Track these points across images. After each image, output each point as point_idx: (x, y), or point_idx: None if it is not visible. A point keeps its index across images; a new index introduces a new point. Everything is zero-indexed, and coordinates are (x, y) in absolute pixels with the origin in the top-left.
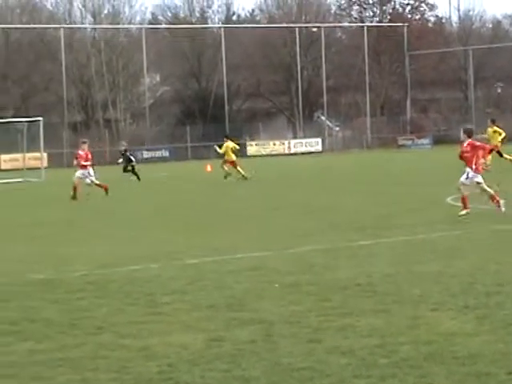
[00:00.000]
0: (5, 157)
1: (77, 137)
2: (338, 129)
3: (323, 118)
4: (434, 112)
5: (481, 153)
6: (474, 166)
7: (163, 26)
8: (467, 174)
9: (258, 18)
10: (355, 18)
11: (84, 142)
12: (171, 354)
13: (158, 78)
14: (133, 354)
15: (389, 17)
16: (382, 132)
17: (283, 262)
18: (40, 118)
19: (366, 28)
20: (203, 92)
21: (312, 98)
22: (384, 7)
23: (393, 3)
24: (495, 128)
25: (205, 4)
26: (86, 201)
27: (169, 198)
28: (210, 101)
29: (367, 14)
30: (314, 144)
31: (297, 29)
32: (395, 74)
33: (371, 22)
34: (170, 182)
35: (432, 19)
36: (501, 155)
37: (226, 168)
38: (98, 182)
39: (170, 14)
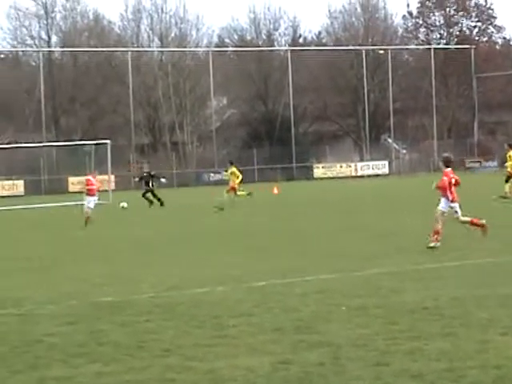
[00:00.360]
0: (73, 179)
1: (144, 159)
2: (404, 151)
3: (390, 140)
4: (501, 134)
5: (455, 183)
6: (449, 196)
7: (230, 48)
8: (444, 203)
9: (324, 41)
10: (422, 41)
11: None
12: (238, 377)
13: (224, 101)
14: (199, 377)
15: (456, 39)
16: None
17: (350, 285)
18: (107, 141)
19: (432, 50)
20: (270, 114)
21: (379, 120)
22: (451, 29)
23: (460, 25)
24: (511, 153)
25: (271, 26)
26: (153, 223)
27: (235, 221)
28: (277, 123)
29: (434, 37)
30: (381, 167)
31: (363, 51)
32: (462, 97)
33: (438, 44)
34: (235, 204)
35: (499, 41)
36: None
37: (226, 195)
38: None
39: (236, 37)
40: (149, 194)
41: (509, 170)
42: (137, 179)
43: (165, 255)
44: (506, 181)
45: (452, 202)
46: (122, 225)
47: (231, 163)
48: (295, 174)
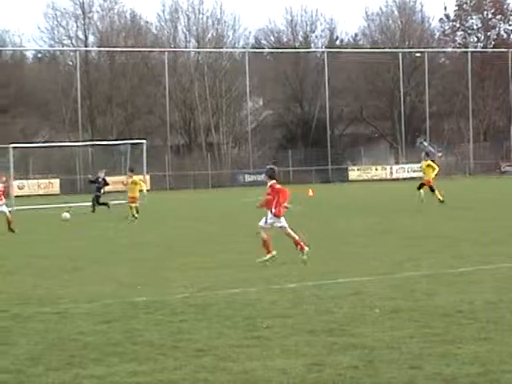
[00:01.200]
0: (108, 179)
1: (179, 160)
2: (440, 154)
3: (426, 143)
4: None
5: (281, 197)
6: (274, 210)
7: (266, 49)
8: (266, 218)
9: (361, 43)
10: (459, 44)
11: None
12: (271, 378)
13: (260, 102)
14: (233, 378)
15: (493, 43)
16: (484, 158)
17: (384, 288)
18: (143, 141)
19: (469, 54)
20: (305, 116)
21: (415, 123)
22: (488, 33)
23: (497, 29)
24: (429, 162)
25: (308, 28)
26: (187, 224)
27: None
28: (312, 125)
29: (471, 40)
30: (416, 169)
31: (400, 54)
32: (499, 100)
33: (475, 47)
34: None
35: None
36: (432, 190)
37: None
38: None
39: (273, 38)
40: (98, 200)
41: (427, 178)
42: (88, 180)
43: (199, 256)
44: (432, 190)
45: (276, 216)
46: (156, 226)
47: (131, 171)
48: (330, 176)
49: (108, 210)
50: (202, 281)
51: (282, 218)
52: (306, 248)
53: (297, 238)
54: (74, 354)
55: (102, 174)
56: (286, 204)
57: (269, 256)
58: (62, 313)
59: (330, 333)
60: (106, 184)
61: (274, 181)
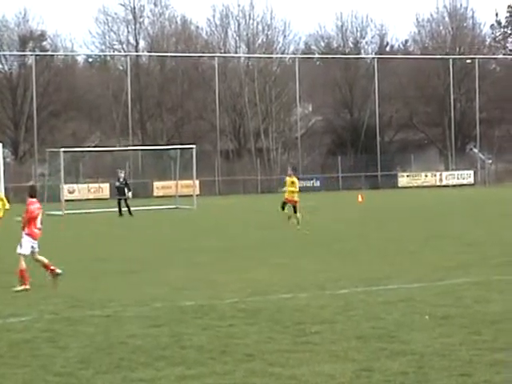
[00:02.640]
0: (158, 184)
1: (229, 165)
2: (490, 161)
3: (476, 150)
4: None
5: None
6: (26, 231)
7: (316, 55)
8: (26, 242)
9: (411, 49)
10: (510, 50)
11: None
12: (320, 383)
13: (310, 108)
14: (282, 383)
15: None
16: None
17: (434, 294)
18: (193, 146)
19: None
20: (355, 122)
21: (465, 129)
22: None
23: None
24: (294, 179)
25: (358, 34)
26: (236, 229)
27: (318, 227)
28: (362, 131)
29: None
30: (466, 176)
31: (450, 60)
32: None
33: None
34: (319, 211)
35: None
36: (295, 211)
37: None
38: None
39: (323, 44)
40: (122, 204)
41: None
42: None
43: (248, 261)
44: (295, 211)
45: (32, 237)
46: (206, 231)
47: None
48: (380, 182)
49: (119, 216)
50: (253, 285)
51: (35, 241)
52: (59, 270)
53: (46, 262)
54: (123, 357)
55: (121, 175)
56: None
57: (23, 287)
58: (112, 316)
59: (379, 339)
60: (128, 186)
61: (35, 199)
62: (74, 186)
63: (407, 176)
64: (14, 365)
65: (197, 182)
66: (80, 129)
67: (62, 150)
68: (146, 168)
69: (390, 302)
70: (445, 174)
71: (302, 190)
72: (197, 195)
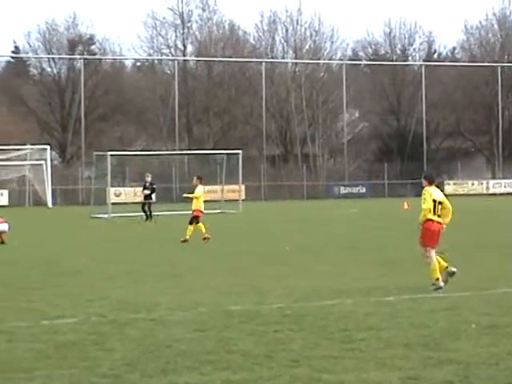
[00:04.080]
0: (205, 188)
1: (275, 170)
2: None
3: None
4: None
5: None
6: None
7: (364, 62)
8: None
9: (459, 56)
10: None
11: None
12: None
13: (356, 114)
14: None
15: None
16: None
17: (480, 303)
18: (239, 151)
19: None
20: (402, 129)
21: None
22: None
23: None
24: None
25: (406, 41)
26: (284, 234)
27: (364, 234)
28: (409, 138)
29: None
30: None
31: (499, 68)
32: None
33: None
34: (363, 218)
35: None
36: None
37: None
38: None
39: (370, 51)
40: (146, 208)
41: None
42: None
43: (294, 267)
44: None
45: None
46: (251, 235)
47: None
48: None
49: (147, 221)
50: (298, 291)
51: None
52: None
53: None
54: (169, 361)
55: (148, 179)
56: None
57: None
58: (158, 320)
59: (425, 347)
60: (154, 191)
61: None
62: (121, 189)
63: (454, 184)
64: (61, 366)
65: (242, 187)
66: (127, 132)
67: (109, 153)
68: (192, 172)
69: (437, 310)
70: (492, 182)
71: (348, 196)
72: (242, 200)
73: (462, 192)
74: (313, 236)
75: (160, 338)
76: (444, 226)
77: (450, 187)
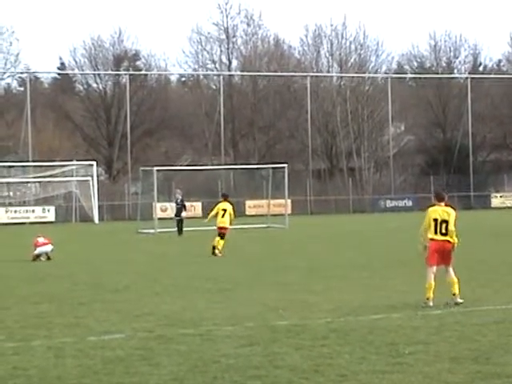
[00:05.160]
0: (250, 203)
1: (321, 184)
2: None
3: None
4: None
5: None
6: None
7: (409, 75)
8: None
9: (504, 69)
10: None
11: None
12: None
13: (402, 127)
14: None
15: None
16: None
17: None
18: (285, 165)
19: None
20: (448, 142)
21: None
22: None
23: None
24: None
25: (452, 54)
26: (330, 248)
27: (410, 248)
28: (455, 151)
29: None
30: None
31: None
32: None
33: None
34: (408, 231)
35: None
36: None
37: None
38: None
39: (415, 64)
40: (180, 224)
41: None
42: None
43: (339, 280)
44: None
45: None
46: (298, 249)
47: None
48: (472, 202)
49: (178, 236)
50: (345, 306)
51: None
52: None
53: None
54: (216, 376)
55: (178, 196)
56: None
57: None
58: (205, 335)
59: (473, 361)
60: (184, 206)
61: None
62: (167, 204)
63: (500, 197)
64: (109, 382)
65: (289, 202)
66: (172, 147)
67: (155, 168)
68: (238, 187)
69: (485, 324)
70: None
71: (394, 209)
72: (288, 214)
73: (508, 204)
74: (359, 250)
75: (207, 353)
76: (451, 244)
77: (496, 200)
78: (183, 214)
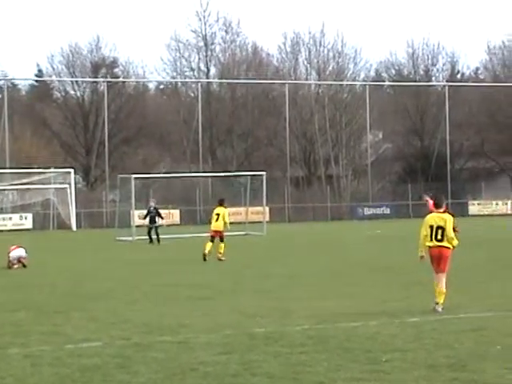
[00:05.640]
0: (228, 210)
1: (299, 192)
2: None
3: None
4: None
5: None
6: None
7: (387, 83)
8: None
9: (482, 77)
10: None
11: None
12: None
13: (380, 135)
14: None
15: None
16: None
17: (506, 324)
18: (263, 173)
19: None
20: (425, 150)
21: None
22: None
23: None
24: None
25: (429, 62)
26: (308, 256)
27: (386, 256)
28: (433, 159)
29: None
30: None
31: None
32: None
33: None
34: (387, 239)
35: None
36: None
37: None
38: None
39: (393, 71)
40: (153, 232)
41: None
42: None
43: (317, 288)
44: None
45: None
46: (277, 257)
47: None
48: (450, 210)
49: (154, 244)
50: (323, 313)
51: None
52: None
53: None
54: (194, 383)
55: (152, 204)
56: None
57: None
58: (183, 342)
59: (450, 368)
60: (159, 215)
61: None
62: (145, 212)
63: (478, 204)
64: None
65: (267, 209)
66: (150, 155)
67: (133, 176)
68: (216, 194)
69: (462, 331)
70: None
71: (372, 217)
72: (266, 222)
73: (486, 212)
74: (337, 258)
75: (185, 360)
76: (449, 249)
77: (474, 207)
78: (163, 221)
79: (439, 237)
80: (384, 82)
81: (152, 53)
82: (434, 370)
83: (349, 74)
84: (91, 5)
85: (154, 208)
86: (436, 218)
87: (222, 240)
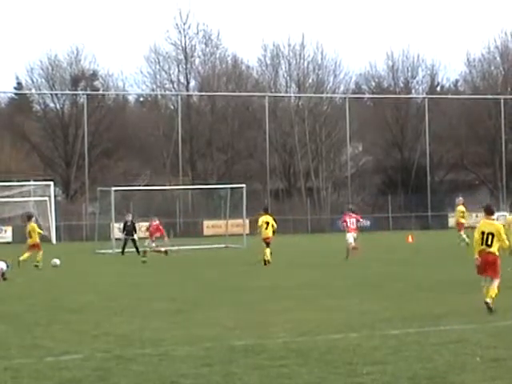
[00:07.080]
0: (207, 223)
1: (279, 204)
2: None
3: None
4: None
5: None
6: None
7: (367, 95)
8: None
9: (462, 89)
10: None
11: None
12: None
13: (360, 148)
14: None
15: None
16: None
17: (486, 336)
18: (243, 185)
19: None
20: (405, 162)
21: None
22: None
23: None
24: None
25: (409, 74)
26: (289, 268)
27: (367, 268)
28: (412, 171)
29: None
30: None
31: (502, 100)
32: None
33: None
34: (367, 251)
35: None
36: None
37: None
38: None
39: (373, 84)
40: (130, 244)
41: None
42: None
43: (297, 301)
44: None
45: None
46: (256, 269)
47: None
48: (430, 222)
49: (139, 255)
50: (304, 325)
51: None
52: None
53: None
54: None
55: (129, 218)
56: None
57: None
58: (163, 355)
59: (430, 380)
60: (134, 229)
61: None
62: None
63: None
64: None
65: (247, 221)
66: (130, 168)
67: (113, 188)
68: (196, 207)
69: (442, 343)
70: (496, 214)
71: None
72: (246, 234)
73: (466, 225)
74: (317, 270)
75: (165, 373)
76: (496, 256)
77: (453, 219)
78: (134, 235)
79: (489, 242)
80: (364, 94)
81: (132, 65)
82: (415, 382)
83: (329, 87)
84: (70, 17)
85: (131, 222)
86: (488, 224)
87: (268, 245)
